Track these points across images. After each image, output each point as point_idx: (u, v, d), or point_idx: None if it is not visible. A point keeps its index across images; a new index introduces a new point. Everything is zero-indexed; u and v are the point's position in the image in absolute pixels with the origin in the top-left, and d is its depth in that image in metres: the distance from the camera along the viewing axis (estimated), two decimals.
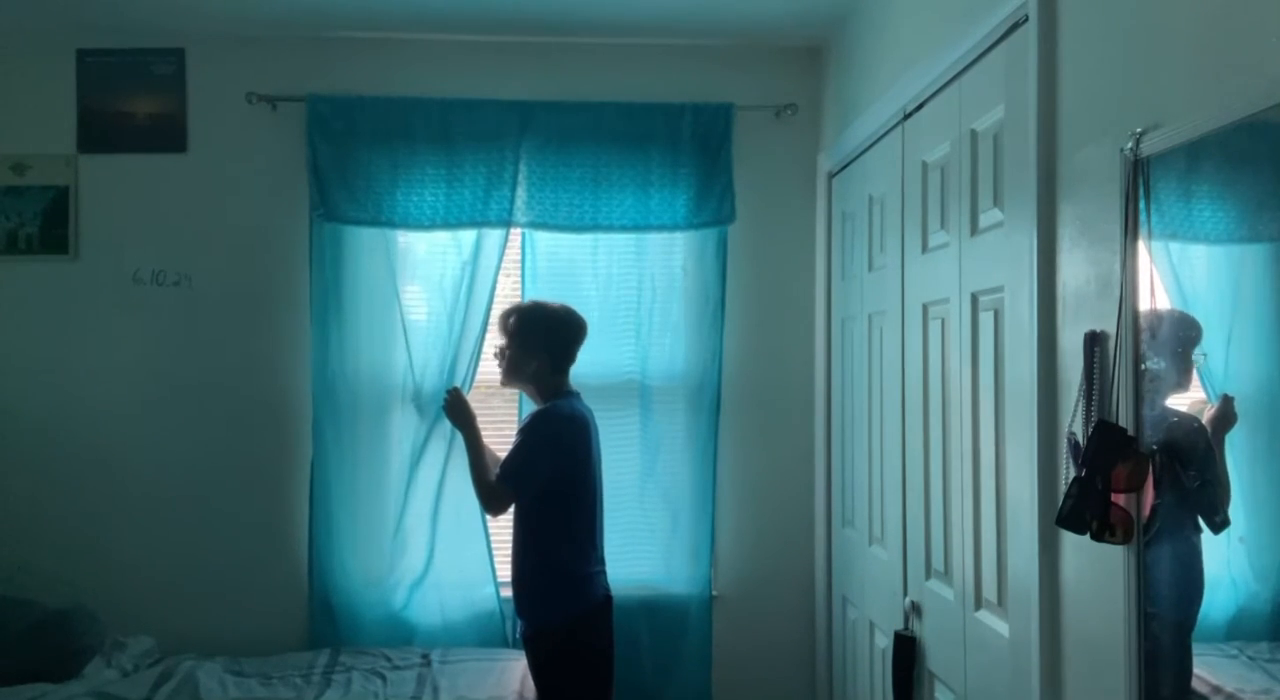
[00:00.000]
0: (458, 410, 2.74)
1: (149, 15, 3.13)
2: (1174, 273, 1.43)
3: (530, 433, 2.58)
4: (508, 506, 2.60)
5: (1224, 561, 1.33)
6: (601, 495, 2.71)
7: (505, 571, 3.17)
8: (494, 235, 3.22)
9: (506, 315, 2.72)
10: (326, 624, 3.17)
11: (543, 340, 2.66)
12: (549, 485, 2.55)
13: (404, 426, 3.23)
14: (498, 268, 3.22)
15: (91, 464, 3.22)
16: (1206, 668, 1.35)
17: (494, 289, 3.21)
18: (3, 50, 3.25)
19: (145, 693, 2.67)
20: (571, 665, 2.54)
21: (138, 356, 3.23)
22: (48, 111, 3.24)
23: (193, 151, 3.27)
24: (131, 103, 3.26)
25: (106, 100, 3.26)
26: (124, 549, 3.20)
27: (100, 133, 3.26)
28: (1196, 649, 1.39)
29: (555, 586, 2.56)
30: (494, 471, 2.61)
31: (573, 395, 2.70)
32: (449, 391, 2.81)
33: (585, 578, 2.59)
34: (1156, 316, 1.43)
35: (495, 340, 2.83)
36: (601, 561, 2.68)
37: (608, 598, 2.65)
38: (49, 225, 3.24)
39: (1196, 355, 1.37)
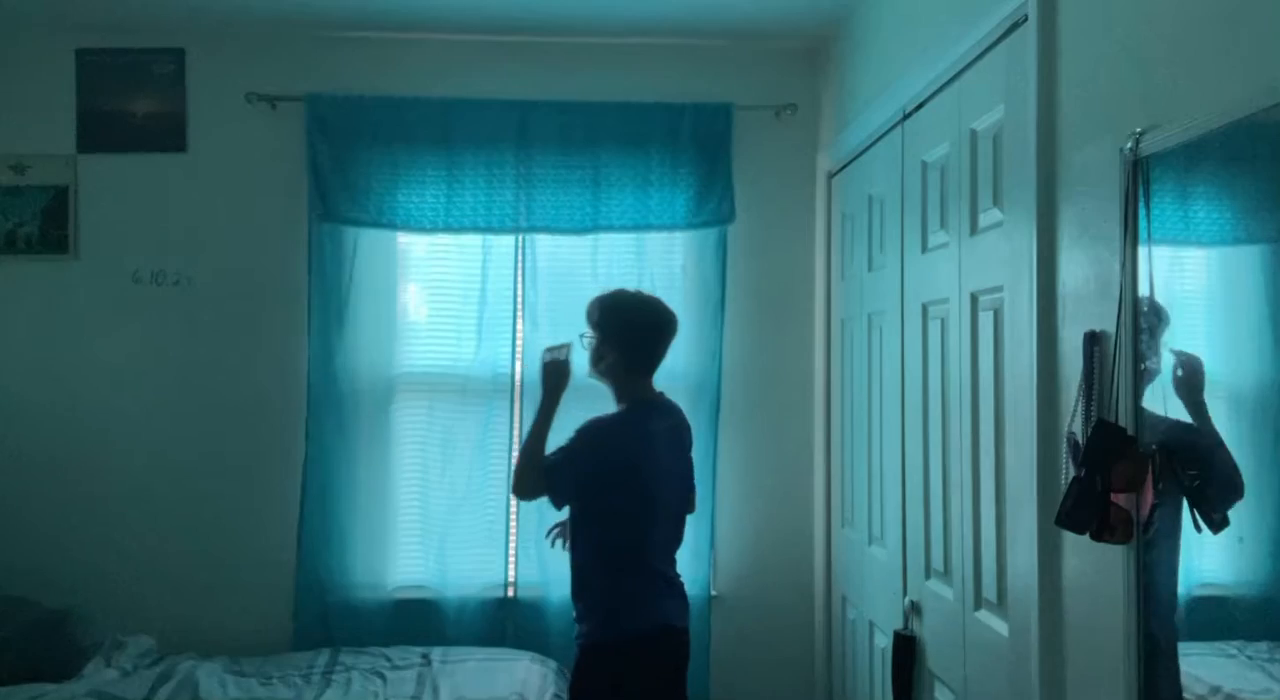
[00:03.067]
0: (556, 375, 2.49)
1: (149, 15, 3.13)
2: (1173, 272, 1.43)
3: (577, 435, 2.41)
4: (536, 494, 2.46)
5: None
6: (671, 511, 2.48)
7: (506, 571, 3.22)
8: (500, 241, 3.25)
9: (590, 304, 2.55)
10: (325, 623, 3.16)
11: (615, 334, 2.46)
12: (588, 496, 2.41)
13: (403, 426, 3.24)
14: (513, 271, 3.25)
15: (91, 463, 3.22)
16: (1206, 667, 1.35)
17: (512, 292, 3.24)
18: (3, 50, 3.25)
19: (145, 693, 2.67)
20: (598, 690, 2.36)
21: (137, 356, 3.24)
22: (47, 111, 3.24)
23: (192, 151, 3.27)
24: (131, 102, 3.26)
25: (106, 100, 3.26)
26: (124, 548, 3.20)
27: (100, 132, 3.26)
28: (1197, 648, 1.39)
29: (597, 603, 2.38)
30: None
31: (646, 403, 2.49)
32: (559, 349, 2.52)
33: (630, 598, 2.37)
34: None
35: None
36: (666, 586, 2.44)
37: (666, 627, 2.38)
38: (49, 225, 3.24)
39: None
